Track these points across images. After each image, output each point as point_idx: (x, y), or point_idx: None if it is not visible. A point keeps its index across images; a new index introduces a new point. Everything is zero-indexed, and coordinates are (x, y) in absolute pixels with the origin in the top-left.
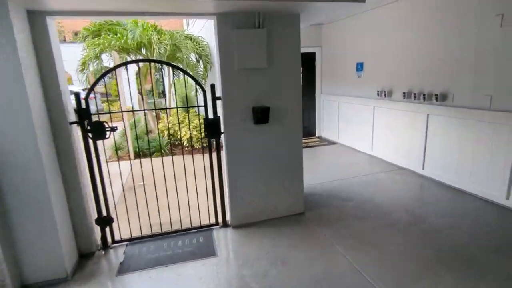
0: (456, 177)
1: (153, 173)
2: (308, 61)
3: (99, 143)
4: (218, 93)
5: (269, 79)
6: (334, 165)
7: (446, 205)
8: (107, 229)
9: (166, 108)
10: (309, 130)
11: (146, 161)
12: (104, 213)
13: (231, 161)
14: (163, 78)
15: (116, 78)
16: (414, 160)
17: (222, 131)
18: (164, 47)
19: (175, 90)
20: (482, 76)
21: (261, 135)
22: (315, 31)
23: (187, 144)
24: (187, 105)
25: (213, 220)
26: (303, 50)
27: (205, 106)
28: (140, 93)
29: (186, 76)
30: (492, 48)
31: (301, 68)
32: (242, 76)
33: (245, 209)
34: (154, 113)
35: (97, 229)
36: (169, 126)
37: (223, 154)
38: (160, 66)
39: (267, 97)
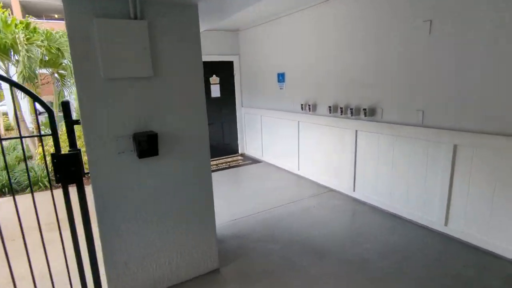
0: (391, 201)
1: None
2: (226, 70)
3: None
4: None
5: (157, 93)
6: (257, 190)
7: (386, 238)
8: None
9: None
10: (231, 148)
11: (13, 200)
12: None
13: (105, 213)
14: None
15: None
16: (344, 181)
17: (87, 170)
18: (41, 51)
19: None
20: (412, 89)
21: (150, 172)
22: (232, 37)
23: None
24: (20, 135)
25: None
26: (220, 58)
27: (54, 134)
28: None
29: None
30: (421, 58)
31: (218, 79)
32: (115, 90)
33: (131, 280)
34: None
35: None
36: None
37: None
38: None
39: (156, 119)
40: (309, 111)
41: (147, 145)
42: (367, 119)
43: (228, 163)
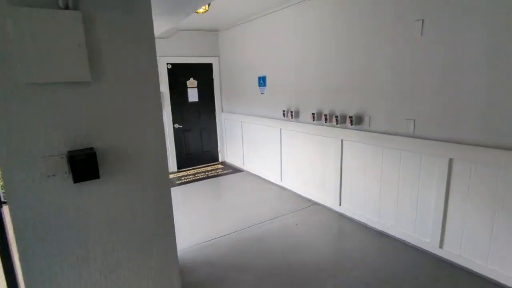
0: (379, 218)
1: None
2: (205, 73)
3: None
4: None
5: (99, 102)
6: (236, 205)
7: (376, 262)
8: None
9: None
10: (210, 156)
11: None
12: None
13: (29, 253)
14: None
15: None
16: (329, 194)
17: (4, 200)
18: None
19: None
20: (403, 95)
21: (89, 200)
22: (212, 38)
23: None
24: None
25: None
26: (198, 60)
27: None
28: None
29: None
30: (412, 62)
31: (196, 82)
32: (40, 97)
33: None
34: None
35: None
36: None
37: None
38: None
39: (98, 134)
40: (292, 118)
41: (84, 166)
42: (354, 127)
43: (206, 173)
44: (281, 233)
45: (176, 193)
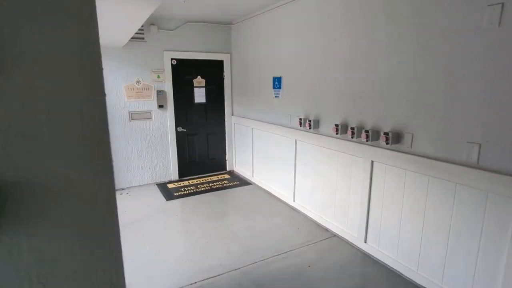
0: (418, 268)
1: None
2: (215, 71)
3: None
4: None
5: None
6: (238, 231)
7: None
8: None
9: None
10: (217, 163)
11: None
12: None
13: None
14: None
15: None
16: (352, 226)
17: None
18: None
19: None
20: (463, 109)
21: None
22: (223, 32)
23: None
24: None
25: None
26: (208, 57)
27: None
28: None
29: None
30: (482, 63)
31: (204, 81)
32: None
33: None
34: None
35: None
36: None
37: None
38: None
39: (4, 158)
40: (310, 128)
41: None
42: (390, 147)
43: (210, 184)
44: (290, 276)
45: (170, 209)
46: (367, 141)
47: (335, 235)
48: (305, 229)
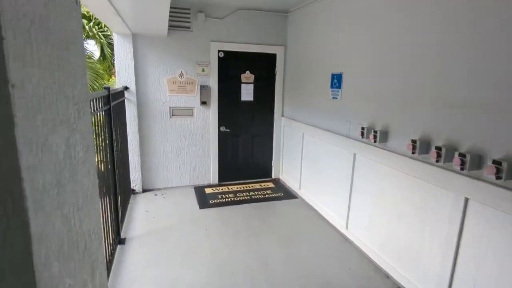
0: None
1: None
2: (266, 66)
3: None
4: None
5: None
6: (274, 262)
7: None
8: None
9: None
10: (262, 169)
11: None
12: None
13: None
14: None
15: None
16: (427, 280)
17: None
18: None
19: None
20: None
21: None
22: (279, 21)
23: None
24: None
25: None
26: (259, 49)
27: None
28: None
29: None
30: None
31: (252, 76)
32: None
33: None
34: None
35: None
36: None
37: None
38: None
39: None
40: (375, 141)
41: None
42: (501, 183)
43: (251, 193)
44: None
45: (201, 219)
46: (462, 169)
47: (400, 287)
48: (358, 270)
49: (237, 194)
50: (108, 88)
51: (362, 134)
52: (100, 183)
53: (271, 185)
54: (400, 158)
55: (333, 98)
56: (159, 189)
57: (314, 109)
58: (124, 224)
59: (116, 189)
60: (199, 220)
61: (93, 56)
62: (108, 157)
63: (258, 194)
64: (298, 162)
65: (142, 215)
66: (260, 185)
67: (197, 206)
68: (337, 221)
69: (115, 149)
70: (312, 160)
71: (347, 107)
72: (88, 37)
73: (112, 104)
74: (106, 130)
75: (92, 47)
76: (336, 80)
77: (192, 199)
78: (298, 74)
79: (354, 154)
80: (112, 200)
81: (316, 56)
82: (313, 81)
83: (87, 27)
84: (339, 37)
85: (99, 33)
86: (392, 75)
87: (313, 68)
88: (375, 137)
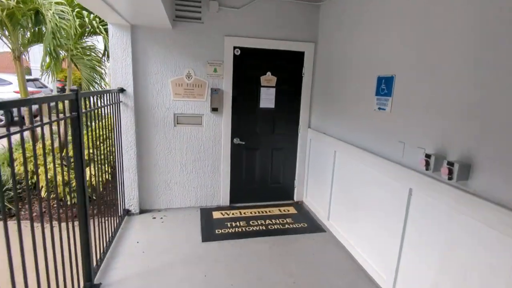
0: None
1: None
2: (291, 67)
3: None
4: None
5: None
6: None
7: None
8: None
9: None
10: (282, 189)
11: None
12: None
13: None
14: None
15: None
16: None
17: None
18: None
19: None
20: None
21: None
22: (309, 12)
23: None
24: None
25: None
26: (284, 46)
27: None
28: None
29: None
30: None
31: (275, 79)
32: None
33: None
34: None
35: None
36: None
37: None
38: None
39: None
40: (450, 177)
41: None
42: None
43: (268, 221)
44: None
45: (201, 258)
46: None
47: None
48: None
49: (251, 222)
50: (76, 91)
51: (427, 164)
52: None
53: (292, 210)
54: (497, 209)
55: (379, 109)
56: (159, 210)
57: (352, 122)
58: (105, 262)
59: (87, 216)
60: (199, 259)
61: (99, 54)
62: (76, 173)
63: (276, 223)
64: (327, 186)
65: (130, 247)
66: (280, 210)
67: (200, 237)
68: (380, 276)
69: (93, 163)
70: (346, 186)
71: (399, 123)
72: (94, 33)
73: (92, 109)
74: (75, 141)
75: (101, 45)
76: (385, 85)
77: (195, 226)
78: (331, 77)
79: (410, 190)
80: (81, 228)
81: (357, 54)
82: (351, 85)
83: (86, 19)
84: (391, 29)
85: (100, 26)
86: (477, 77)
87: (352, 70)
88: (450, 171)
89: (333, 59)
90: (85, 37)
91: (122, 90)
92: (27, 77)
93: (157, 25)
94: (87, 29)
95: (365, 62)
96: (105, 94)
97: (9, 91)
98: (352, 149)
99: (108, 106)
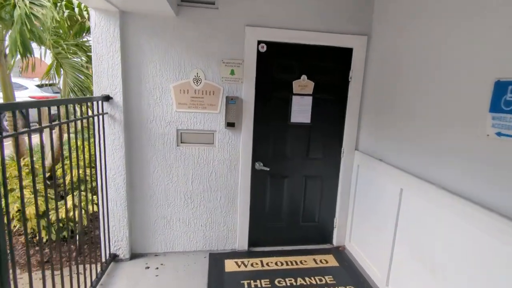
0: None
1: None
2: (334, 68)
3: None
4: None
5: None
6: None
7: None
8: None
9: None
10: (318, 230)
11: None
12: None
13: None
14: None
15: None
16: None
17: None
18: None
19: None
20: None
21: None
22: None
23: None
24: None
25: None
26: (325, 41)
27: None
28: None
29: None
30: None
31: (312, 84)
32: None
33: None
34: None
35: None
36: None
37: None
38: None
39: None
40: None
41: None
42: None
43: (300, 279)
44: None
45: None
46: None
47: None
48: None
49: (276, 282)
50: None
51: None
52: None
53: (332, 261)
54: None
55: (499, 134)
56: (156, 255)
57: (435, 150)
58: None
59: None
60: None
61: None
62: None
63: (310, 282)
64: (385, 235)
65: None
66: (314, 260)
67: None
68: None
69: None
70: (421, 244)
71: None
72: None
73: (31, 129)
74: None
75: None
76: (505, 98)
77: (200, 285)
78: (395, 82)
79: None
80: None
81: (438, 50)
82: (434, 95)
83: (76, 9)
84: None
85: None
86: None
87: (440, 71)
88: None
89: (400, 57)
90: (85, 34)
91: (107, 98)
92: (45, 81)
93: (155, 10)
94: (87, 25)
95: (469, 60)
96: (76, 104)
97: (25, 96)
98: (436, 193)
99: (85, 120)
